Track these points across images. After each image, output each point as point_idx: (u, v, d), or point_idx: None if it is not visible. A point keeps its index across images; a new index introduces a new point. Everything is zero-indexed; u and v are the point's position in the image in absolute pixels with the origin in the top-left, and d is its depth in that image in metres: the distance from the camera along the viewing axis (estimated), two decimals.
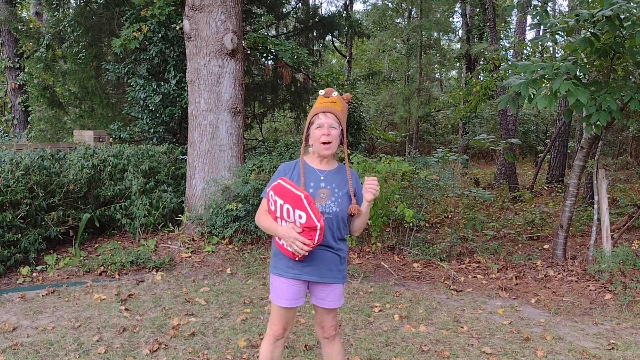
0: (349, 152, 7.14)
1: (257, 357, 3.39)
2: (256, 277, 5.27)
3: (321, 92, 2.52)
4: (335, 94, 2.50)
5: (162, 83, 8.01)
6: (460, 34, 21.21)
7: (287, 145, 7.85)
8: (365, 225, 6.18)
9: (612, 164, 16.65)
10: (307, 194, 2.29)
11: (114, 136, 8.31)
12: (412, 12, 19.15)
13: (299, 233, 2.31)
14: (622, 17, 4.68)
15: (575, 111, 4.85)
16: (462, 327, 4.08)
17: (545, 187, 12.99)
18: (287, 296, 2.49)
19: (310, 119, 2.50)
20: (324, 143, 2.43)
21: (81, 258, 5.57)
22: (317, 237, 2.29)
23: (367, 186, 2.40)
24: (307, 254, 2.35)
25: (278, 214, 2.39)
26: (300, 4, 11.67)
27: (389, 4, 19.62)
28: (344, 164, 2.59)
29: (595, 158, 5.78)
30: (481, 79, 9.46)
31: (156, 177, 6.62)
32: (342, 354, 2.69)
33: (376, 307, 4.49)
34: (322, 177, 2.48)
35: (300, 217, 2.29)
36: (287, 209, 2.33)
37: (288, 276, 2.48)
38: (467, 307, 4.60)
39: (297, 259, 2.40)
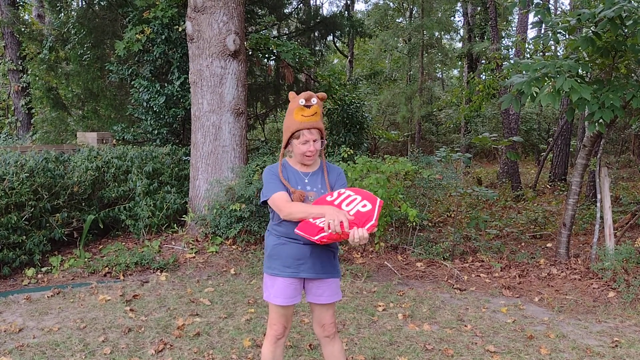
0: (352, 152, 7.17)
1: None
2: (260, 277, 5.28)
3: (301, 101, 2.48)
4: (314, 100, 2.49)
5: (166, 84, 8.03)
6: (461, 33, 21.18)
7: None
8: None
9: (615, 162, 16.59)
10: (381, 201, 2.40)
11: (117, 137, 8.33)
12: (414, 12, 19.12)
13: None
14: (624, 15, 4.68)
15: (578, 109, 4.86)
16: (465, 326, 4.09)
17: (547, 186, 12.96)
18: (284, 295, 2.53)
19: (292, 130, 2.48)
20: (308, 156, 2.53)
21: (86, 259, 5.59)
22: (363, 230, 2.27)
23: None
24: (335, 235, 2.28)
25: (337, 203, 2.39)
26: (301, 5, 11.68)
27: (390, 3, 19.62)
28: (327, 160, 2.67)
29: (598, 156, 5.78)
30: (483, 78, 9.46)
31: (160, 178, 6.65)
32: (344, 352, 2.70)
33: (380, 306, 4.51)
34: (306, 180, 2.57)
35: (365, 206, 2.33)
36: (354, 199, 2.37)
37: (285, 275, 2.52)
38: (470, 305, 4.61)
39: (314, 238, 2.33)
